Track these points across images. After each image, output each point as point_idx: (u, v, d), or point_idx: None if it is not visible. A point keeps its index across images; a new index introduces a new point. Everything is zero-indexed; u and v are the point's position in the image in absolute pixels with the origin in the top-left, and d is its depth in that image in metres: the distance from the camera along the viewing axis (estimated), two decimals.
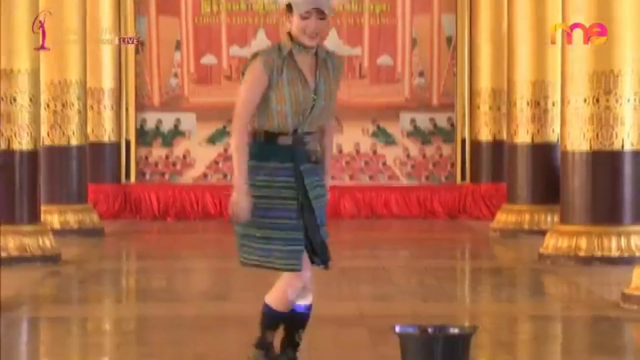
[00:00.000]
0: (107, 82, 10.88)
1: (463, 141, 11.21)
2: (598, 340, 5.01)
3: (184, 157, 11.22)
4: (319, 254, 3.65)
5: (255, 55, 3.63)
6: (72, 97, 9.13)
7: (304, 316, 3.70)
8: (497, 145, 10.83)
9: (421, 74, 11.29)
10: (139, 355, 4.63)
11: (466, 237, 9.66)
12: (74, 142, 9.14)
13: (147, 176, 11.21)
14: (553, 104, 9.08)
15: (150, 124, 11.24)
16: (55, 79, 9.12)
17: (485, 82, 11.05)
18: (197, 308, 5.74)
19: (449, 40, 11.30)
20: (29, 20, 7.24)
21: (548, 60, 9.09)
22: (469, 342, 3.60)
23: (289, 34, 3.62)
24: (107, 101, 10.88)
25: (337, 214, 10.49)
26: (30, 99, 7.33)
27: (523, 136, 9.19)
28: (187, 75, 11.22)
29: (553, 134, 9.10)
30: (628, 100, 7.16)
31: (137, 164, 11.16)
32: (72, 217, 9.11)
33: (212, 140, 11.07)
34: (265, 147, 3.60)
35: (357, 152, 11.18)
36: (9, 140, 7.25)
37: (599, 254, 7.09)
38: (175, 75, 11.22)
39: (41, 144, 7.72)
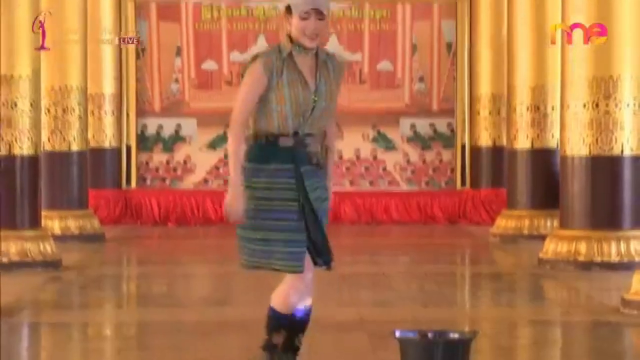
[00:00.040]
0: (108, 87, 10.90)
1: (463, 146, 11.23)
2: (598, 345, 5.02)
3: (185, 162, 11.24)
4: (322, 255, 3.64)
5: (255, 57, 3.64)
6: (72, 102, 9.15)
7: (304, 320, 3.71)
8: (497, 151, 10.85)
9: (421, 80, 11.32)
10: None
11: (466, 243, 9.67)
12: (75, 147, 9.15)
13: (148, 181, 11.23)
14: (552, 109, 9.10)
15: (151, 130, 11.27)
16: (56, 84, 9.15)
17: (485, 87, 11.08)
18: (197, 313, 5.75)
19: (449, 46, 11.32)
20: (29, 25, 7.26)
21: (548, 65, 9.11)
22: (469, 347, 3.61)
23: (289, 35, 3.63)
24: (108, 107, 10.90)
25: (338, 220, 10.50)
26: (31, 104, 7.35)
27: (523, 141, 9.21)
28: (187, 80, 11.24)
29: (553, 140, 9.11)
30: (627, 105, 7.18)
31: (137, 169, 11.18)
32: (73, 223, 9.12)
33: (212, 145, 11.09)
34: (266, 148, 3.61)
35: (358, 157, 11.19)
36: (9, 145, 7.27)
37: (598, 259, 7.10)
38: (176, 80, 11.25)
39: (42, 149, 7.74)
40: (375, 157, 11.24)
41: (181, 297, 6.51)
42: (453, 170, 11.29)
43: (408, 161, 11.26)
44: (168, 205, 10.91)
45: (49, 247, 7.39)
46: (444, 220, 10.94)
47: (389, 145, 11.25)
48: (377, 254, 8.59)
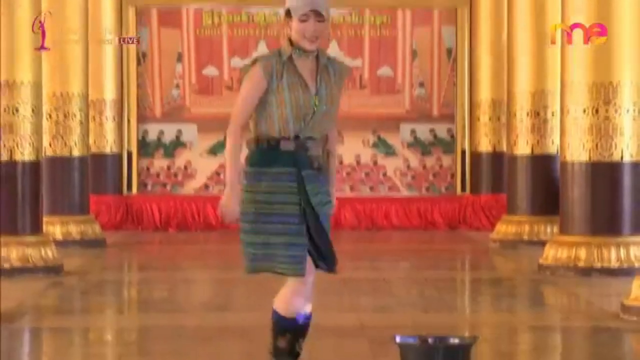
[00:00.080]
0: (109, 93, 10.93)
1: (463, 152, 11.25)
2: (598, 351, 5.03)
3: (186, 168, 11.27)
4: (326, 258, 3.64)
5: (254, 61, 3.64)
6: (74, 108, 9.18)
7: (304, 326, 3.72)
8: (497, 156, 10.87)
9: (421, 85, 11.35)
10: None
11: (466, 248, 9.69)
12: (76, 153, 9.17)
13: (149, 187, 11.25)
14: (552, 115, 9.12)
15: (152, 135, 11.29)
16: (58, 90, 9.17)
17: (485, 93, 11.11)
18: (198, 319, 5.76)
19: (449, 51, 11.36)
20: (31, 31, 7.28)
21: (547, 71, 9.13)
22: (469, 352, 3.62)
23: (290, 40, 3.63)
24: (109, 112, 10.94)
25: (338, 225, 10.52)
26: (33, 110, 7.36)
27: (523, 147, 9.22)
28: (188, 86, 11.27)
29: (553, 146, 9.13)
30: (627, 111, 7.19)
31: (138, 175, 11.21)
32: (74, 228, 9.14)
33: (213, 151, 11.11)
34: (268, 152, 3.61)
35: (358, 163, 11.21)
36: (11, 151, 7.28)
37: (598, 264, 7.11)
38: (177, 86, 11.27)
39: (43, 154, 7.75)
40: (375, 163, 11.26)
41: (182, 302, 6.52)
42: (453, 175, 11.31)
43: (408, 167, 11.28)
44: (169, 210, 10.93)
45: (50, 253, 7.40)
46: (444, 226, 10.95)
47: (389, 151, 11.27)
48: (377, 260, 8.61)
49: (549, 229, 8.97)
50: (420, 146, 11.32)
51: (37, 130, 7.42)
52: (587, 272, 7.10)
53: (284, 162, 3.61)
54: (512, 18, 9.37)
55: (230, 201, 3.58)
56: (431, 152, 11.30)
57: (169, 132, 11.27)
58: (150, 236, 10.50)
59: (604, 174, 7.19)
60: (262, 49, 11.02)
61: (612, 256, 7.11)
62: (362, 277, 7.16)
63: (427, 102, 11.34)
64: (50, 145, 9.10)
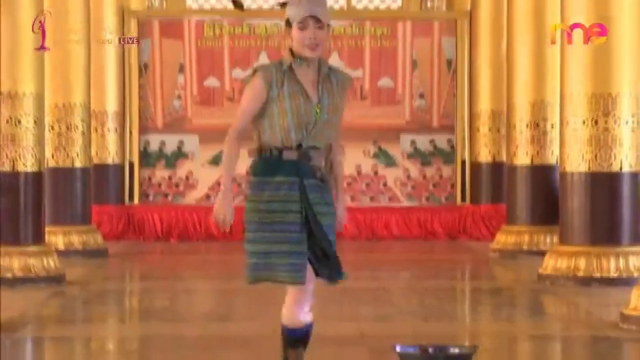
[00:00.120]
0: (111, 105, 10.99)
1: (463, 162, 11.29)
2: None
3: (187, 178, 11.31)
4: (329, 267, 3.63)
5: (255, 71, 3.66)
6: (76, 119, 9.23)
7: (306, 335, 3.74)
8: (497, 167, 10.90)
9: (421, 96, 11.40)
10: None
11: (466, 258, 9.71)
12: (78, 164, 9.22)
13: (151, 197, 11.29)
14: (552, 126, 9.16)
15: (154, 146, 11.34)
16: (60, 101, 9.23)
17: (484, 104, 11.15)
18: (199, 328, 5.78)
19: (449, 62, 11.41)
20: (33, 43, 7.33)
21: (547, 82, 9.18)
22: None
23: (291, 50, 3.65)
24: (111, 124, 10.99)
25: (338, 235, 10.50)
26: (35, 122, 7.40)
27: (522, 158, 9.26)
28: (190, 97, 11.32)
29: (552, 156, 9.17)
30: (626, 122, 7.23)
31: (140, 185, 11.25)
32: (76, 238, 9.18)
33: (214, 161, 11.15)
34: (271, 162, 3.62)
35: (359, 173, 11.25)
36: (13, 162, 7.32)
37: (597, 274, 7.14)
38: (179, 97, 11.33)
39: (46, 165, 7.79)
40: (376, 173, 11.30)
41: (183, 312, 6.54)
42: (453, 186, 11.35)
43: (408, 177, 11.32)
44: (170, 220, 10.96)
45: (52, 263, 7.43)
46: (444, 236, 10.99)
47: (390, 161, 11.31)
48: (377, 270, 8.63)
49: (548, 239, 9.00)
50: (420, 157, 11.36)
51: (40, 142, 7.46)
52: (587, 281, 7.13)
53: (287, 172, 3.62)
54: (511, 29, 9.43)
55: (223, 207, 3.58)
56: (431, 163, 11.34)
57: (171, 142, 11.31)
58: (151, 246, 10.53)
59: (603, 185, 7.23)
60: (263, 60, 11.07)
61: (612, 266, 7.13)
62: (362, 286, 7.18)
63: (427, 113, 11.39)
64: (52, 156, 9.14)
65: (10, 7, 7.26)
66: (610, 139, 7.20)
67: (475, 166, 11.19)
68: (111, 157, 11.01)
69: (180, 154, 11.33)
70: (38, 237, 7.41)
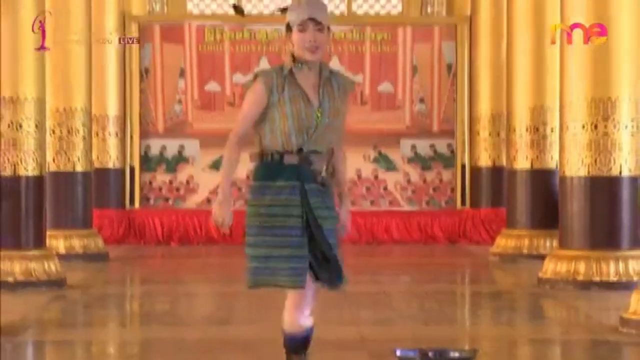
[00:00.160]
0: (112, 109, 11.02)
1: (463, 167, 11.32)
2: None
3: (188, 182, 11.33)
4: (329, 271, 3.63)
5: (255, 76, 3.67)
6: (77, 123, 9.26)
7: (306, 339, 3.74)
8: (497, 171, 10.93)
9: (422, 101, 11.42)
10: None
11: (466, 262, 9.72)
12: (79, 168, 9.25)
13: (151, 201, 11.31)
14: (552, 130, 9.18)
15: (155, 151, 11.36)
16: (61, 106, 9.25)
17: (484, 108, 11.18)
18: (200, 332, 5.80)
19: (449, 67, 11.44)
20: (34, 48, 7.35)
21: (547, 87, 9.20)
22: None
23: (292, 55, 3.66)
24: (112, 128, 11.02)
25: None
26: (36, 126, 7.43)
27: (522, 162, 9.28)
28: (190, 102, 11.35)
29: (552, 161, 9.19)
30: (626, 127, 7.25)
31: (141, 189, 11.27)
32: (77, 242, 9.20)
33: (215, 166, 11.18)
34: (272, 166, 3.63)
35: (359, 177, 11.28)
36: (14, 166, 7.34)
37: (597, 278, 7.15)
38: (179, 102, 11.35)
39: (47, 169, 7.81)
40: (376, 177, 11.33)
41: (184, 315, 6.56)
42: (453, 190, 11.37)
43: (409, 181, 11.34)
44: (171, 224, 10.99)
45: (53, 267, 7.45)
46: (444, 240, 11.01)
47: (390, 166, 11.34)
48: (378, 273, 8.64)
49: (548, 243, 9.01)
50: (420, 161, 11.38)
51: (41, 146, 7.48)
52: (586, 285, 7.14)
53: (288, 176, 3.62)
54: (511, 34, 9.45)
55: (221, 210, 3.60)
56: (431, 167, 11.37)
57: (171, 147, 11.34)
58: (152, 250, 10.55)
59: (603, 189, 7.24)
60: (264, 65, 11.10)
61: (611, 270, 7.15)
62: (362, 290, 7.20)
63: (428, 118, 11.42)
64: (53, 160, 9.17)
65: (10, 11, 7.28)
66: (609, 143, 7.22)
67: (475, 170, 11.21)
68: (112, 161, 11.03)
69: (180, 159, 11.35)
70: (39, 241, 7.43)
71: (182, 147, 11.34)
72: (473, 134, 11.27)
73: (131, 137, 11.27)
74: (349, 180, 11.43)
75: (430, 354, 3.62)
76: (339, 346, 5.21)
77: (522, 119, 9.29)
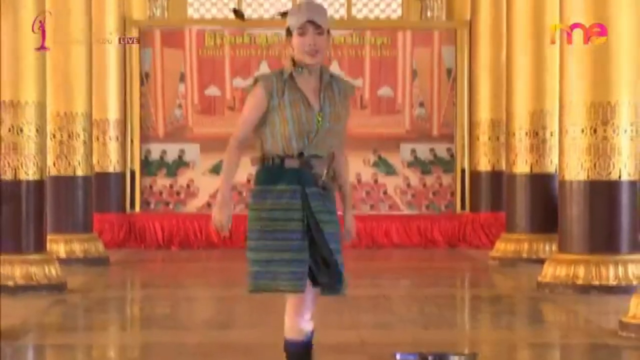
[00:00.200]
0: (113, 113, 11.04)
1: (463, 171, 11.34)
2: None
3: (188, 186, 11.35)
4: (329, 275, 3.63)
5: (256, 80, 3.68)
6: (78, 128, 9.28)
7: (307, 346, 3.73)
8: (496, 175, 10.94)
9: (421, 105, 11.44)
10: None
11: (466, 266, 9.74)
12: (80, 172, 9.26)
13: (152, 206, 11.33)
14: (551, 135, 9.20)
15: (155, 155, 11.38)
16: (62, 110, 9.27)
17: (484, 113, 11.20)
18: (200, 336, 5.81)
19: (448, 71, 11.46)
20: (35, 53, 7.37)
21: (546, 91, 9.22)
22: None
23: (293, 59, 3.66)
24: (113, 132, 11.03)
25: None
26: (37, 130, 7.44)
27: (522, 166, 9.30)
28: (191, 106, 11.37)
29: (551, 165, 9.20)
30: (625, 131, 7.26)
31: (141, 193, 11.29)
32: (77, 246, 9.21)
33: (215, 170, 11.19)
34: (273, 170, 3.64)
35: (359, 181, 11.29)
36: (15, 170, 7.35)
37: (596, 282, 7.16)
38: (180, 106, 11.37)
39: (47, 174, 7.83)
40: (376, 181, 11.34)
41: (184, 319, 6.57)
42: (453, 194, 11.38)
43: (408, 185, 11.35)
44: (171, 228, 11.00)
45: (54, 271, 7.46)
46: (444, 244, 11.02)
47: (390, 170, 11.35)
48: (378, 277, 8.65)
49: (547, 247, 9.03)
50: (420, 165, 11.40)
51: (42, 150, 7.50)
52: (586, 289, 7.16)
53: (289, 180, 3.63)
54: (511, 38, 9.47)
55: (220, 213, 3.60)
56: (431, 171, 11.38)
57: (172, 151, 11.36)
58: (153, 254, 10.56)
59: (602, 193, 7.26)
60: (264, 69, 11.13)
61: (610, 274, 7.16)
62: (362, 294, 7.21)
63: (427, 122, 11.43)
64: (54, 164, 9.18)
65: (10, 16, 7.30)
66: (609, 147, 7.24)
67: (475, 174, 11.23)
68: (112, 165, 11.05)
69: (181, 163, 11.37)
70: (40, 245, 7.44)
71: (182, 151, 11.36)
72: (473, 138, 11.29)
73: (132, 141, 11.29)
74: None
75: (430, 358, 3.62)
76: (339, 350, 5.22)
77: (521, 123, 9.31)
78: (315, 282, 3.66)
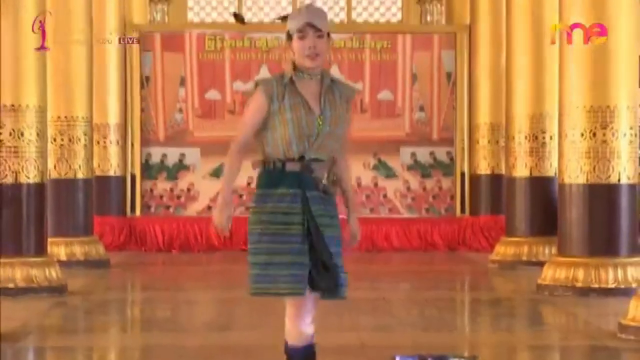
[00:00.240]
0: (113, 117, 11.06)
1: (462, 174, 11.35)
2: None
3: (188, 190, 11.37)
4: (327, 279, 3.63)
5: (256, 84, 3.69)
6: (78, 132, 9.30)
7: (308, 349, 3.74)
8: (496, 179, 10.96)
9: (421, 109, 11.46)
10: None
11: (465, 269, 9.75)
12: (81, 175, 9.28)
13: (152, 209, 11.34)
14: (551, 138, 9.22)
15: (155, 158, 11.40)
16: (62, 114, 9.30)
17: (484, 116, 11.23)
18: (201, 338, 5.82)
19: (448, 75, 11.48)
20: (36, 56, 7.39)
21: (545, 95, 9.24)
22: None
23: (293, 63, 3.67)
24: (113, 136, 11.06)
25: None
26: (38, 134, 7.46)
27: (521, 170, 9.32)
28: (191, 110, 11.39)
29: (551, 168, 9.22)
30: (624, 135, 7.29)
31: (142, 197, 11.30)
32: (78, 249, 9.23)
33: (215, 174, 11.21)
34: (274, 174, 3.65)
35: (359, 185, 11.31)
36: (16, 173, 7.37)
37: (596, 285, 7.18)
38: (180, 110, 11.39)
39: (48, 177, 7.85)
40: (376, 185, 11.36)
41: (184, 322, 6.58)
42: (453, 197, 11.40)
43: (408, 189, 11.37)
44: (172, 232, 11.02)
45: (54, 273, 7.48)
46: (444, 247, 11.03)
47: (390, 173, 11.37)
48: (377, 280, 8.66)
49: (547, 250, 9.04)
50: (420, 169, 11.41)
51: (42, 154, 7.52)
52: (585, 292, 7.17)
53: (289, 184, 3.64)
54: (510, 42, 9.50)
55: (220, 215, 3.62)
56: (431, 175, 11.40)
57: (172, 155, 11.38)
58: (153, 257, 10.58)
59: (602, 196, 7.28)
60: (264, 73, 11.15)
61: (610, 277, 7.18)
62: (362, 297, 7.22)
63: (427, 126, 11.45)
64: (55, 167, 9.20)
65: (10, 19, 7.32)
66: (608, 151, 7.26)
67: (475, 178, 11.25)
68: (113, 169, 11.06)
69: (181, 166, 11.39)
70: (40, 248, 7.46)
71: (182, 155, 11.37)
72: (472, 142, 11.31)
73: (132, 145, 11.31)
74: None
75: None
76: (339, 352, 5.23)
77: (521, 127, 9.33)
78: (314, 287, 3.66)
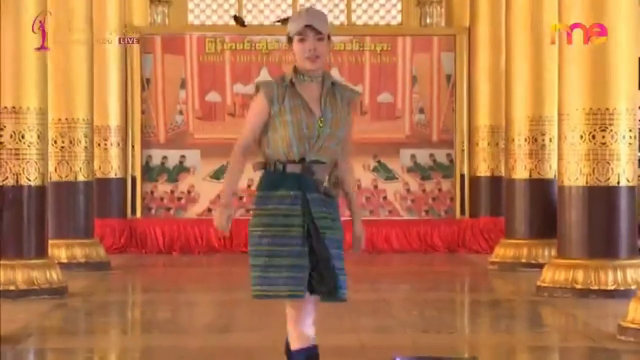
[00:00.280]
0: (114, 119, 11.07)
1: (462, 176, 11.37)
2: None
3: (189, 192, 11.38)
4: (330, 281, 3.64)
5: (257, 87, 3.70)
6: (79, 134, 9.32)
7: (309, 351, 3.74)
8: (496, 181, 10.98)
9: (421, 111, 11.48)
10: None
11: (465, 271, 9.76)
12: (81, 177, 9.30)
13: (153, 211, 11.36)
14: (550, 140, 9.24)
15: (156, 160, 11.41)
16: (63, 116, 9.32)
17: (483, 118, 11.25)
18: (201, 340, 5.83)
19: (448, 78, 11.50)
20: (37, 58, 7.41)
21: (545, 97, 9.26)
22: None
23: (294, 66, 3.69)
24: (114, 138, 11.07)
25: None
26: (38, 136, 7.48)
27: (521, 172, 9.33)
28: (192, 112, 11.41)
29: (550, 170, 9.24)
30: (623, 137, 7.30)
31: (142, 199, 11.32)
32: (79, 251, 9.24)
33: (216, 176, 11.23)
34: (275, 176, 3.66)
35: (359, 187, 11.31)
36: (17, 176, 7.39)
37: (595, 287, 7.19)
38: (180, 112, 11.41)
39: (49, 179, 7.86)
40: (375, 187, 11.37)
41: (185, 323, 6.59)
42: (452, 199, 11.42)
43: (408, 191, 11.39)
44: (172, 234, 11.03)
45: (55, 275, 7.49)
46: (444, 249, 11.05)
47: (390, 175, 11.38)
48: (377, 282, 8.68)
49: (546, 252, 9.05)
50: (419, 171, 11.43)
51: (43, 156, 7.53)
52: (585, 293, 7.19)
53: (290, 186, 3.65)
54: (510, 45, 9.51)
55: (221, 215, 3.63)
56: (431, 177, 11.42)
57: (173, 157, 11.39)
58: (154, 259, 10.59)
59: (601, 198, 7.29)
60: (264, 75, 11.17)
61: (609, 278, 7.19)
62: (362, 298, 7.23)
63: (427, 128, 11.47)
64: (55, 170, 9.22)
65: (12, 18, 7.34)
66: (607, 153, 7.28)
67: (474, 180, 11.26)
68: (114, 171, 11.08)
69: (182, 168, 11.40)
70: (41, 250, 7.47)
71: (183, 157, 11.39)
72: (472, 144, 11.33)
73: (133, 147, 11.32)
74: None
75: None
76: (339, 354, 5.24)
77: (520, 129, 9.34)
78: (314, 290, 3.66)
